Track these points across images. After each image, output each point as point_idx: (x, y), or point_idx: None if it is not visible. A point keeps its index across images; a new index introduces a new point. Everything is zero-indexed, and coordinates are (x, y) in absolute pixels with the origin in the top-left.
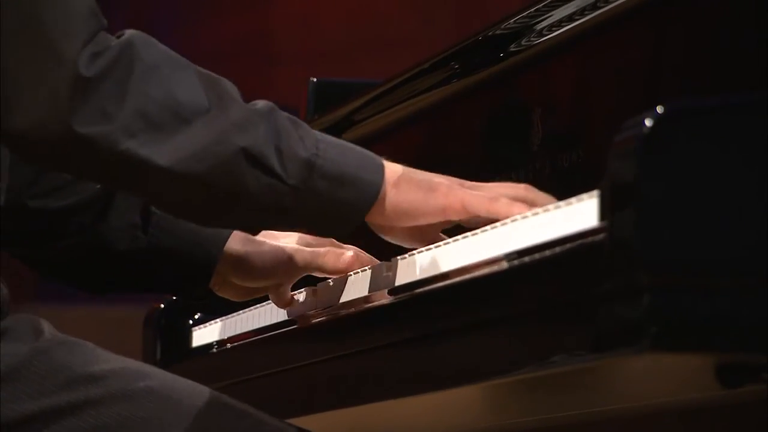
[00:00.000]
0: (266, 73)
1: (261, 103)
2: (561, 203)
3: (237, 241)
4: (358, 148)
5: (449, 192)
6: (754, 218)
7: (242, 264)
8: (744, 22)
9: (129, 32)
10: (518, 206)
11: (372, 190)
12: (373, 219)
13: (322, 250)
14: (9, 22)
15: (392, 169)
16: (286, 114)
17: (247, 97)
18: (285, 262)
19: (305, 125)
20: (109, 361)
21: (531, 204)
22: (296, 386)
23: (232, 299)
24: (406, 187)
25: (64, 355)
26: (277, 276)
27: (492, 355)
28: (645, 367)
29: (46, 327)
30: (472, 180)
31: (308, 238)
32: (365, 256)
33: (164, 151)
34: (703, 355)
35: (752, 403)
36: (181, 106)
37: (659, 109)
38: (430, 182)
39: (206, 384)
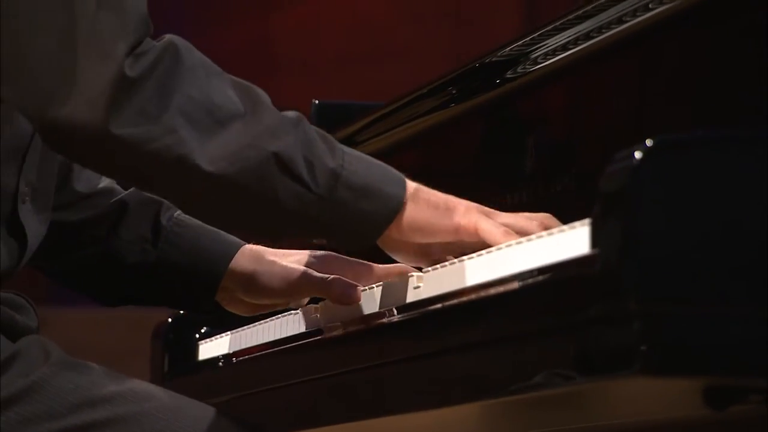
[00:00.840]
0: (267, 81)
1: (291, 113)
2: (554, 230)
3: (246, 259)
4: (381, 163)
5: (466, 213)
6: (739, 246)
7: (250, 282)
8: (732, 56)
9: (170, 36)
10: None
11: (394, 203)
12: (390, 233)
13: (330, 277)
14: (65, 17)
15: (412, 185)
16: (310, 125)
17: None
18: (293, 284)
19: (331, 137)
20: (116, 382)
21: None
22: (300, 400)
23: (240, 314)
24: (424, 203)
25: (72, 379)
26: (284, 296)
27: (489, 375)
28: (635, 388)
29: (55, 350)
30: (470, 200)
31: (314, 257)
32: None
33: (201, 151)
34: (691, 378)
35: (742, 420)
36: (217, 108)
37: (648, 142)
38: (447, 201)
39: (212, 397)
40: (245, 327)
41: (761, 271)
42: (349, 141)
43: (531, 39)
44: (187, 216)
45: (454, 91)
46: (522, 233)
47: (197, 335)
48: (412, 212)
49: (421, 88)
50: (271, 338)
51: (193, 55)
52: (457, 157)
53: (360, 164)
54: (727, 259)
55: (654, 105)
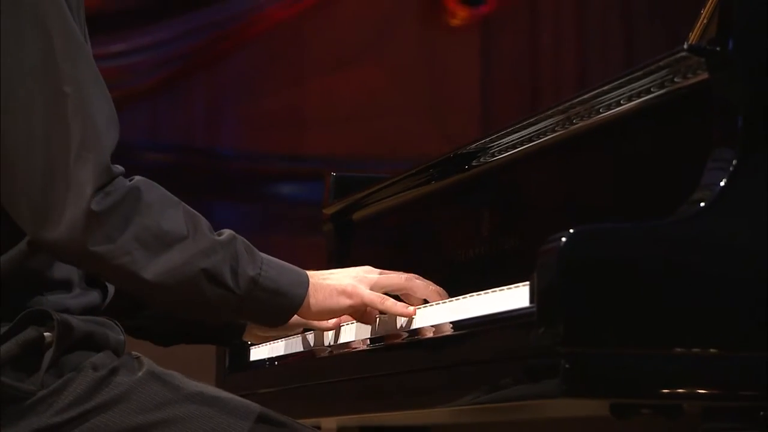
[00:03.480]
0: (298, 133)
1: (226, 234)
2: (504, 288)
3: None
4: (291, 268)
5: (354, 294)
6: (635, 304)
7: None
8: (633, 163)
9: (137, 179)
10: (400, 307)
11: (297, 300)
12: (301, 315)
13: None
14: (49, 172)
15: (312, 283)
16: (242, 240)
17: (282, 154)
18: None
19: (255, 250)
20: (192, 387)
21: (409, 292)
22: (317, 396)
23: (254, 342)
24: (321, 294)
25: (158, 383)
26: (287, 331)
27: (456, 389)
28: (561, 404)
29: (146, 361)
30: (443, 252)
31: None
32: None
33: (148, 268)
34: (600, 399)
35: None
36: (165, 234)
37: (571, 230)
38: (338, 287)
39: (258, 388)
40: (281, 340)
41: (651, 322)
42: (358, 204)
43: (490, 139)
44: None
45: (434, 173)
46: (396, 289)
47: (249, 342)
48: (315, 303)
49: (410, 169)
50: (298, 350)
51: (153, 193)
52: (433, 220)
53: (274, 271)
54: (627, 314)
55: (578, 194)
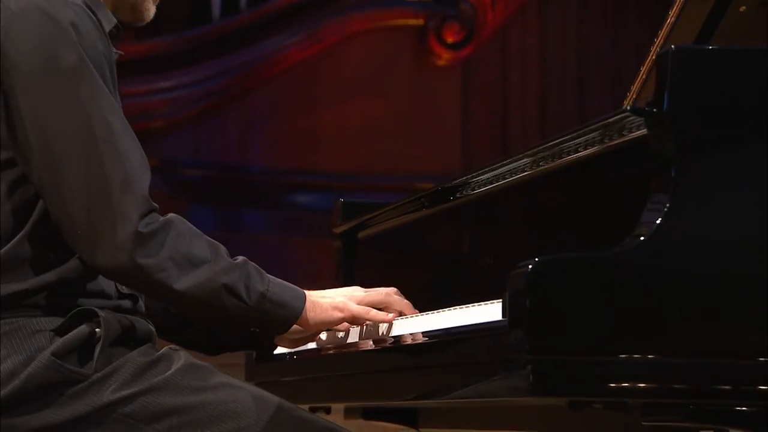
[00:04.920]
0: (312, 151)
1: (240, 258)
2: (482, 303)
3: None
4: (293, 287)
5: (344, 309)
6: (587, 320)
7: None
8: (593, 201)
9: (170, 215)
10: (382, 315)
11: (296, 312)
12: (302, 326)
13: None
14: (99, 205)
15: (311, 299)
16: (253, 264)
17: (299, 169)
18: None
19: (263, 271)
20: (220, 377)
21: (387, 306)
22: (328, 385)
23: (287, 347)
24: (319, 309)
25: (193, 373)
26: (309, 332)
27: (441, 386)
28: (528, 400)
29: (183, 354)
30: (431, 268)
31: None
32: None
33: (180, 282)
34: (559, 398)
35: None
36: (194, 256)
37: (537, 258)
38: (331, 304)
39: (280, 377)
40: None
41: (601, 333)
42: (362, 225)
43: (471, 176)
44: None
45: (425, 202)
46: (378, 304)
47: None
48: (312, 316)
49: (405, 197)
50: (312, 347)
51: (183, 226)
52: (425, 241)
53: (278, 288)
54: (581, 327)
55: (542, 224)
